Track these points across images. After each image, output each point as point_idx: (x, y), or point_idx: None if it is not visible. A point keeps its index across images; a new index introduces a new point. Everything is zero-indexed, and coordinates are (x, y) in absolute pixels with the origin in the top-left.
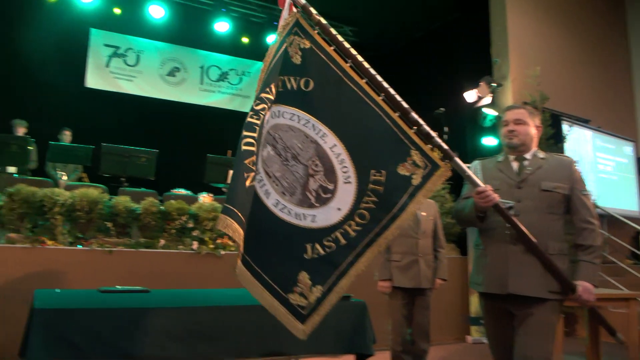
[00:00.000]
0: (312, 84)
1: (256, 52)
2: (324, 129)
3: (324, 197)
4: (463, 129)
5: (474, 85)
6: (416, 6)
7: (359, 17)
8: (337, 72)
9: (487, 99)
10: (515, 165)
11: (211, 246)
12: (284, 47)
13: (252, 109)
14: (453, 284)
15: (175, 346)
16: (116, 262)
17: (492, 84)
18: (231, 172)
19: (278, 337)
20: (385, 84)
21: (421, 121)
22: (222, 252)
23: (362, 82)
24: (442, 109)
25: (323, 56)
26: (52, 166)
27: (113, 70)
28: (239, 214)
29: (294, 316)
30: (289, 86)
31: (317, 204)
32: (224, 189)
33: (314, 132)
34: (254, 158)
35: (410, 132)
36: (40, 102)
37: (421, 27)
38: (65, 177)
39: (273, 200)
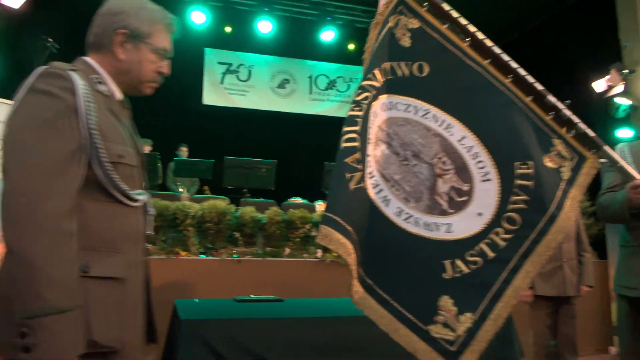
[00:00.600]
0: (426, 69)
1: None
2: (449, 119)
3: (458, 200)
4: (592, 121)
5: (602, 74)
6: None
7: (467, 10)
8: (455, 53)
9: (619, 88)
10: None
11: (335, 254)
12: (387, 29)
13: (354, 101)
14: (592, 290)
15: (315, 357)
16: (245, 271)
17: (624, 71)
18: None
19: None
20: (514, 64)
21: (560, 105)
22: None
23: (486, 62)
24: (567, 101)
25: (437, 36)
26: (173, 180)
27: (227, 87)
28: (342, 222)
29: (440, 354)
30: (399, 73)
31: (451, 210)
32: None
33: (437, 124)
34: (357, 155)
35: (548, 119)
36: (162, 121)
37: (534, 18)
38: (185, 191)
39: (394, 208)
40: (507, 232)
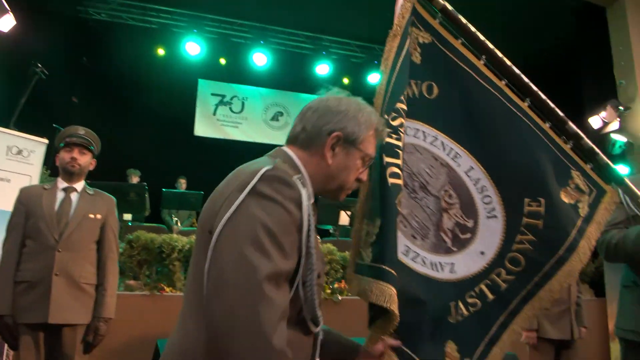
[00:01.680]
0: (436, 90)
1: (357, 92)
2: (457, 147)
3: (462, 238)
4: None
5: (598, 110)
6: (527, 34)
7: None
8: (468, 73)
9: (615, 124)
10: None
11: (328, 291)
12: (407, 44)
13: (390, 125)
14: (591, 331)
15: None
16: None
17: (620, 108)
18: (343, 213)
19: None
20: (533, 87)
21: (582, 133)
22: (340, 298)
23: (502, 84)
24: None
25: (448, 53)
26: (168, 213)
27: (220, 118)
28: (396, 274)
29: None
30: (410, 93)
31: (454, 248)
32: (331, 231)
33: (444, 153)
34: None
35: (567, 148)
36: (153, 152)
37: (534, 55)
38: (179, 223)
39: (402, 246)
40: (509, 273)
